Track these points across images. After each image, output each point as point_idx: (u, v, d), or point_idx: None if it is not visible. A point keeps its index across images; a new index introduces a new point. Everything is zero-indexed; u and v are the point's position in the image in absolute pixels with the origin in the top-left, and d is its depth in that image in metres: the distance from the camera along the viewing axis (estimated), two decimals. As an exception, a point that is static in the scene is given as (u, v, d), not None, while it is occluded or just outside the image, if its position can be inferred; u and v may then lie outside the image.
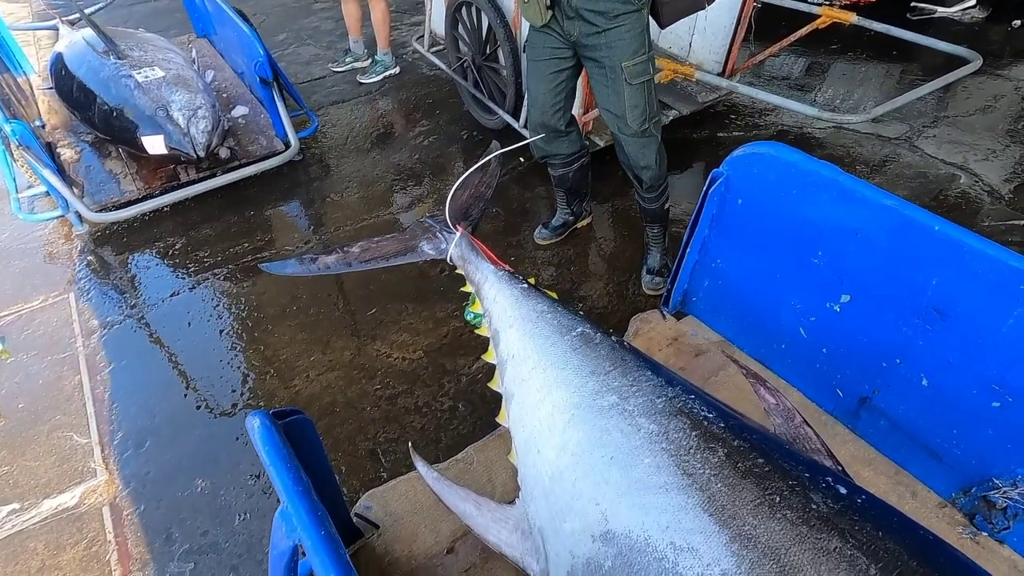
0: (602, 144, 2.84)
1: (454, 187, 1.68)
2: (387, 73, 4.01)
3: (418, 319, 2.31)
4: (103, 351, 2.26)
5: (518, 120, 2.89)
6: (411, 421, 1.96)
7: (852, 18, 2.89)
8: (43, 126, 3.25)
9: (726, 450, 0.96)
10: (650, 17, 1.92)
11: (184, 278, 2.58)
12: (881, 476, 1.39)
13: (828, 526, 0.83)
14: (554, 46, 1.96)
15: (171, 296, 2.50)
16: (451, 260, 1.60)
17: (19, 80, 3.45)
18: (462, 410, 1.97)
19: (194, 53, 3.77)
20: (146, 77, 2.83)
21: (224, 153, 2.96)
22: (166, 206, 2.90)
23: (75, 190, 2.77)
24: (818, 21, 2.95)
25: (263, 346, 2.26)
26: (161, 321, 2.39)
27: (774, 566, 0.80)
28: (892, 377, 1.33)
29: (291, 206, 3.01)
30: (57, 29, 3.67)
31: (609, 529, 0.94)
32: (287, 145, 3.03)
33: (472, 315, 1.54)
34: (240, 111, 3.35)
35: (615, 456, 1.01)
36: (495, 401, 1.31)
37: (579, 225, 2.67)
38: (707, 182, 1.45)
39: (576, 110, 2.59)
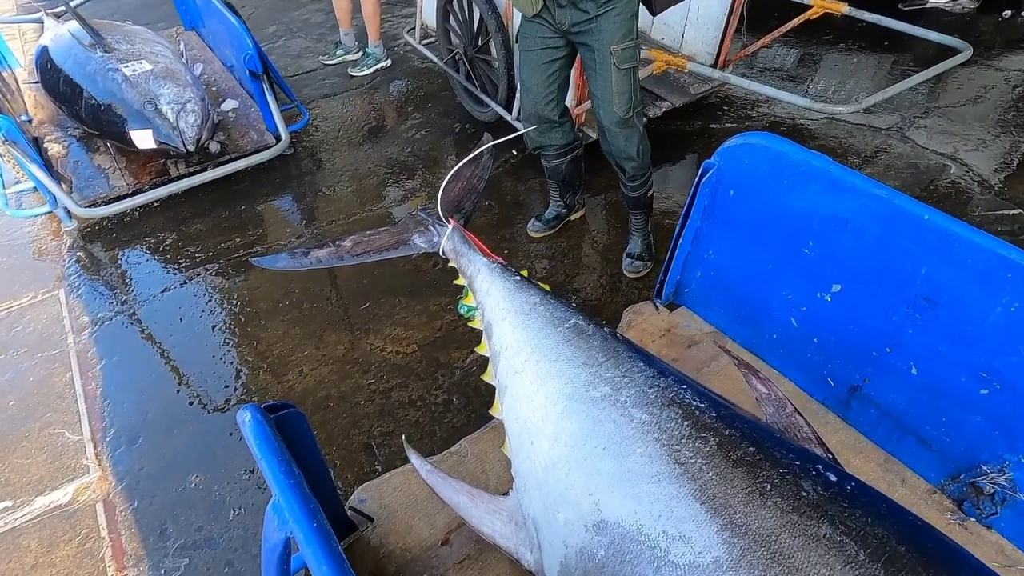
0: (595, 136, 2.83)
1: (445, 180, 1.67)
2: (378, 66, 3.98)
3: (412, 313, 2.31)
4: (94, 347, 2.25)
5: (510, 112, 2.88)
6: (405, 415, 1.96)
7: (843, 8, 2.89)
8: (30, 121, 3.21)
9: (717, 439, 0.97)
10: (641, 5, 1.92)
11: (175, 274, 2.56)
12: (871, 464, 1.40)
13: (818, 513, 0.84)
14: (546, 35, 1.96)
15: (162, 292, 2.48)
16: (443, 253, 1.60)
17: (4, 74, 3.41)
18: (456, 403, 1.98)
19: (182, 46, 3.73)
20: (134, 71, 2.79)
21: (214, 147, 2.93)
22: (156, 201, 2.88)
23: (63, 186, 2.74)
24: (810, 12, 2.95)
25: (256, 341, 2.25)
26: (152, 317, 2.38)
27: (765, 553, 0.81)
28: (882, 366, 1.34)
29: (283, 200, 2.99)
30: (42, 22, 3.62)
31: (602, 519, 0.95)
32: (278, 139, 3.01)
33: (465, 308, 1.54)
34: (230, 105, 3.31)
35: (608, 446, 1.01)
36: (489, 394, 1.31)
37: (572, 217, 2.67)
38: (699, 173, 1.45)
39: (569, 101, 2.59)
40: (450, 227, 1.60)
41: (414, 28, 3.66)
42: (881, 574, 0.76)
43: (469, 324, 1.49)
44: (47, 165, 2.81)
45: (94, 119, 2.84)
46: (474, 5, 2.85)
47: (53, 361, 2.21)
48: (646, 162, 2.15)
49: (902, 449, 1.38)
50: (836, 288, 1.35)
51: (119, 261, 2.66)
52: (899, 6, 4.24)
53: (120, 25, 3.38)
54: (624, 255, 2.41)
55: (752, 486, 0.89)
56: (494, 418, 1.31)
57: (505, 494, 1.18)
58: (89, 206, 2.70)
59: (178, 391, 2.09)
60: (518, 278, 1.40)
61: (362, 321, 2.30)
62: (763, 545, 0.81)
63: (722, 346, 1.54)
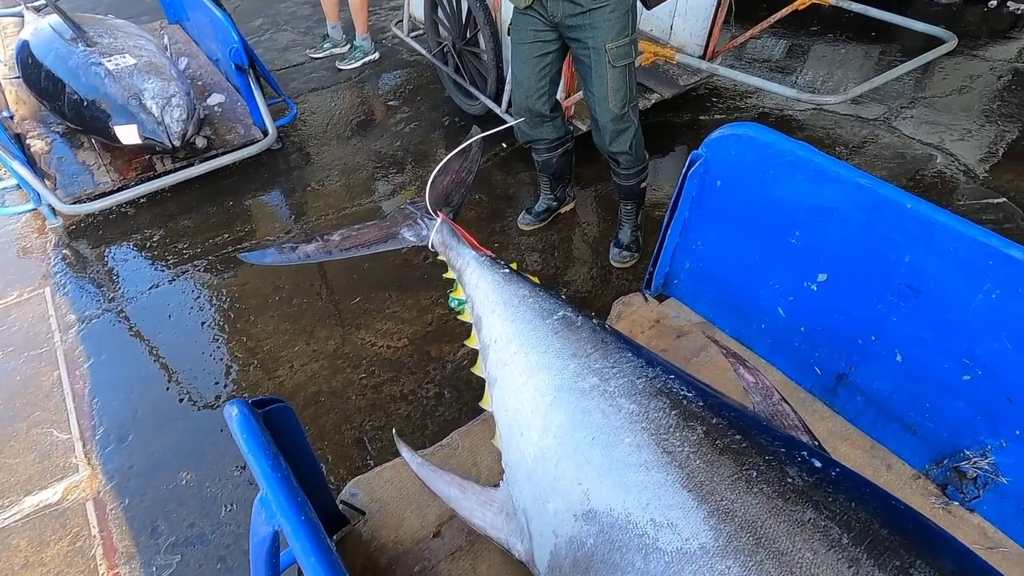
0: (584, 128, 2.83)
1: (434, 173, 1.67)
2: (366, 59, 3.95)
3: (402, 307, 2.31)
4: (81, 346, 2.23)
5: (500, 105, 2.87)
6: (397, 409, 1.96)
7: (831, -1, 2.90)
8: (11, 117, 3.16)
9: (705, 428, 0.98)
10: None
11: (163, 270, 2.54)
12: (857, 450, 1.42)
13: (803, 498, 0.85)
14: (538, 28, 1.95)
15: (150, 289, 2.46)
16: (432, 246, 1.60)
17: (-16, 69, 3.35)
18: (448, 397, 1.98)
19: (166, 40, 3.68)
20: (117, 65, 2.75)
21: (200, 143, 2.90)
22: (142, 197, 2.85)
23: (47, 182, 2.70)
24: (797, 2, 2.96)
25: (246, 337, 2.24)
26: (140, 314, 2.36)
27: (751, 538, 0.82)
28: (868, 354, 1.35)
29: (271, 195, 2.97)
30: (22, 16, 3.55)
31: (591, 508, 0.96)
32: (265, 133, 2.99)
33: (456, 302, 1.54)
34: (216, 99, 3.28)
35: (596, 436, 1.02)
36: (480, 387, 1.31)
37: (563, 210, 2.67)
38: (686, 164, 1.46)
39: (558, 94, 2.58)
40: (439, 220, 1.60)
41: (402, 21, 3.64)
42: (864, 557, 0.78)
43: (459, 317, 1.49)
44: (30, 162, 2.77)
45: (77, 114, 2.80)
46: (462, -3, 2.83)
47: (40, 360, 2.19)
48: (640, 155, 2.15)
49: (887, 435, 1.40)
50: (822, 277, 1.36)
51: (105, 258, 2.63)
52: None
53: (102, 19, 3.33)
54: (611, 245, 2.41)
55: (738, 473, 0.90)
56: (485, 411, 1.31)
57: (496, 486, 1.19)
58: (74, 203, 2.67)
59: (167, 388, 2.08)
60: (507, 271, 1.41)
61: (352, 316, 2.29)
62: (749, 531, 0.82)
63: (711, 336, 1.55)
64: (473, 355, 1.38)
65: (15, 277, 2.55)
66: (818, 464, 0.93)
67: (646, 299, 1.76)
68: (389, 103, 3.60)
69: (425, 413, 1.94)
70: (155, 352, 2.21)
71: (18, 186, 2.75)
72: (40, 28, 3.05)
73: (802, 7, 2.95)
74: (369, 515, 1.29)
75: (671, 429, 0.99)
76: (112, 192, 2.72)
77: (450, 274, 1.56)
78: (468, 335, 1.42)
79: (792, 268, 1.40)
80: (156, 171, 2.83)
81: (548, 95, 2.11)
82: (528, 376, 1.18)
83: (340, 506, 1.28)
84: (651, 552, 0.86)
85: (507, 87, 2.78)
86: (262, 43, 4.30)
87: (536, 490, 1.06)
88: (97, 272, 2.57)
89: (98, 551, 1.65)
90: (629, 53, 1.89)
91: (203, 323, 2.31)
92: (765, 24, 3.04)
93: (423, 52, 3.41)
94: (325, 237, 1.67)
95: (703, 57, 3.05)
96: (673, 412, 1.01)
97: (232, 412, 0.78)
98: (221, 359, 2.17)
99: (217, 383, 2.09)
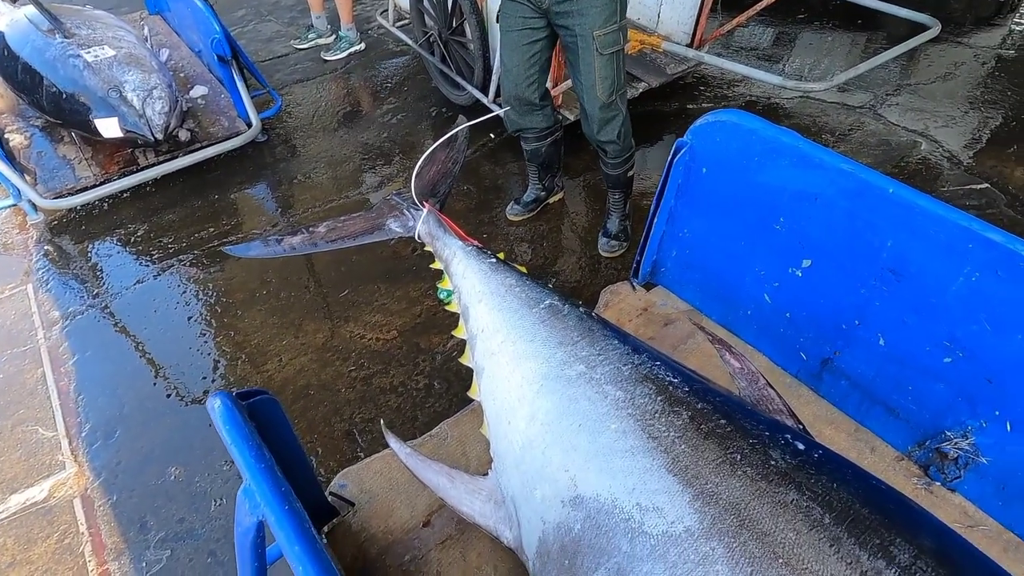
0: (572, 118, 2.82)
1: (419, 163, 1.66)
2: (352, 49, 3.90)
3: (391, 299, 2.30)
4: (66, 342, 2.20)
5: (487, 95, 2.85)
6: (387, 401, 1.96)
7: (817, -14, 2.89)
8: (-12, 111, 3.10)
9: (690, 413, 0.99)
10: None
11: (148, 265, 2.51)
12: (842, 433, 1.44)
13: (786, 480, 0.86)
14: (526, 15, 1.93)
15: (135, 284, 2.43)
16: (419, 237, 1.59)
17: (-41, 62, 3.26)
18: (437, 388, 1.98)
19: (146, 31, 3.61)
20: (96, 57, 2.70)
21: (184, 135, 2.86)
22: (126, 192, 2.81)
23: (27, 177, 2.65)
24: (784, -11, 2.95)
25: (233, 332, 2.22)
26: (126, 310, 2.33)
27: (734, 520, 0.83)
28: (852, 338, 1.37)
29: (257, 189, 2.94)
30: (-3, 7, 3.47)
31: (578, 494, 0.96)
32: (249, 125, 2.95)
33: (444, 292, 1.54)
34: (199, 91, 3.23)
35: (583, 423, 1.02)
36: (470, 378, 1.31)
37: (551, 200, 2.66)
38: (672, 151, 1.46)
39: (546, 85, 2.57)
40: (425, 211, 1.59)
41: (387, 10, 3.59)
42: (845, 536, 0.79)
43: (447, 308, 1.48)
44: (9, 157, 2.72)
45: (56, 108, 2.75)
46: (447, -15, 2.80)
47: (23, 357, 2.16)
48: (628, 144, 2.15)
49: (871, 418, 1.42)
50: (806, 263, 1.37)
51: (89, 254, 2.60)
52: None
53: (80, 9, 3.26)
54: (600, 234, 2.42)
55: (723, 457, 0.91)
56: (474, 400, 1.31)
57: (484, 474, 1.19)
58: (55, 198, 2.62)
59: (154, 384, 2.06)
60: (494, 260, 1.40)
61: (341, 309, 2.28)
62: (733, 513, 0.83)
63: (697, 323, 1.56)
64: (462, 345, 1.38)
65: (-4, 274, 2.52)
66: (801, 447, 0.94)
67: (634, 287, 1.76)
68: (375, 94, 3.57)
69: (415, 405, 1.94)
70: (141, 348, 2.19)
71: (-3, 181, 2.70)
72: (16, 19, 2.98)
73: (788, -6, 2.95)
74: (359, 506, 1.29)
75: (657, 415, 0.99)
76: (94, 186, 2.68)
77: (437, 265, 1.55)
78: (456, 326, 1.42)
79: (777, 254, 1.41)
80: (139, 165, 2.79)
81: (537, 83, 2.10)
82: (515, 365, 1.18)
83: (329, 498, 1.28)
84: (637, 536, 0.87)
85: (494, 77, 2.77)
86: (245, 34, 4.24)
87: (524, 477, 1.07)
88: (80, 268, 2.54)
89: (86, 548, 1.64)
90: (617, 41, 1.88)
91: (190, 318, 2.29)
92: (752, 12, 3.04)
93: (409, 42, 3.38)
94: (311, 229, 1.65)
95: (690, 45, 3.04)
96: (659, 398, 1.02)
97: (215, 404, 0.77)
98: (208, 354, 2.16)
99: (205, 378, 2.07)
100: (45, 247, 2.64)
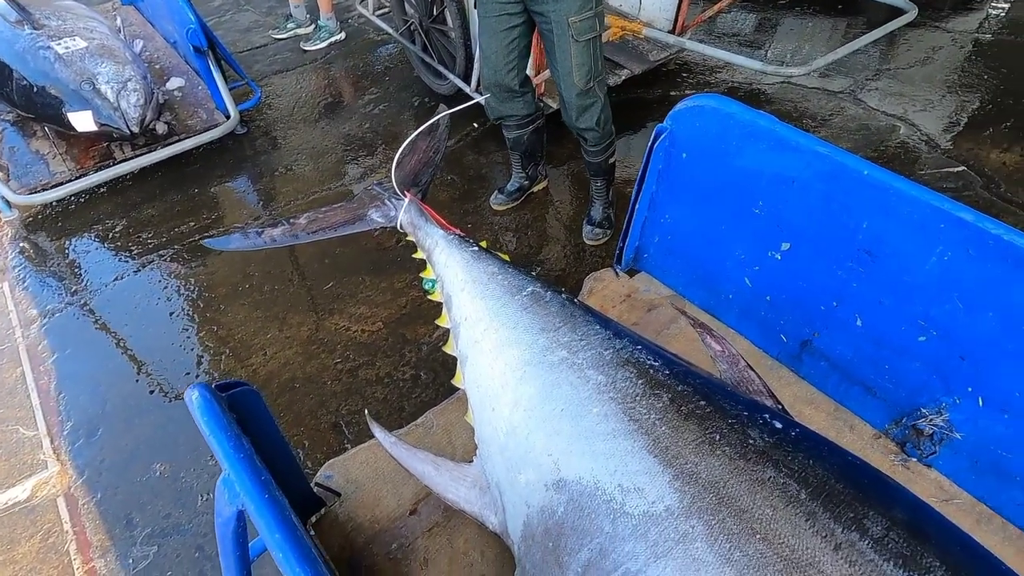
0: (555, 106, 2.81)
1: (399, 152, 1.64)
2: (332, 39, 3.85)
3: (376, 291, 2.29)
4: (45, 340, 2.17)
5: (469, 84, 2.83)
6: (373, 392, 1.96)
7: (796, -29, 2.90)
8: (-43, 106, 3.01)
9: (670, 395, 1.00)
10: None
11: (127, 261, 2.48)
12: (822, 413, 1.46)
13: (763, 458, 0.88)
14: (503, 1, 1.92)
15: (115, 280, 2.40)
16: (401, 227, 1.58)
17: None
18: (424, 378, 1.98)
19: (119, 22, 3.53)
20: (67, 48, 2.64)
21: (161, 128, 2.82)
22: (102, 186, 2.76)
23: (-1, 173, 2.60)
24: (764, -25, 2.96)
25: (216, 326, 2.20)
26: (106, 307, 2.30)
27: (713, 498, 0.84)
28: (830, 319, 1.39)
29: (238, 182, 2.90)
30: (-38, -2, 3.37)
31: (561, 477, 0.97)
32: (228, 117, 2.90)
33: (430, 283, 1.53)
34: (175, 83, 3.17)
35: (565, 408, 1.03)
36: (456, 367, 1.32)
37: (535, 189, 2.66)
38: (652, 137, 1.46)
39: (528, 70, 2.56)
40: (406, 200, 1.58)
41: (367, -1, 3.55)
42: (820, 511, 0.81)
43: (430, 298, 1.48)
44: (-20, 152, 2.66)
45: (27, 101, 2.69)
46: (426, -28, 2.77)
47: (1, 357, 2.12)
48: (608, 131, 2.15)
49: (850, 398, 1.44)
50: (785, 246, 1.38)
51: (66, 250, 2.55)
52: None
53: (49, 0, 3.18)
54: (584, 222, 2.42)
55: (702, 437, 0.92)
56: (459, 389, 1.32)
57: (470, 462, 1.20)
58: (29, 194, 2.57)
59: (137, 380, 2.04)
60: (476, 249, 1.40)
61: (326, 301, 2.27)
62: (712, 491, 0.85)
63: (680, 308, 1.57)
64: (447, 335, 1.38)
65: (-30, 273, 2.47)
66: (779, 425, 0.95)
67: (617, 274, 1.77)
68: (357, 84, 3.53)
69: (402, 395, 1.94)
70: (123, 344, 2.16)
71: (-32, 178, 2.64)
72: (-18, 11, 2.90)
73: (768, -20, 2.95)
74: (345, 496, 1.29)
75: (638, 397, 1.00)
76: (69, 181, 2.63)
77: (420, 254, 1.55)
78: (440, 315, 1.42)
79: (756, 238, 1.42)
80: (115, 159, 2.74)
81: (517, 69, 2.09)
82: (498, 352, 1.19)
83: (315, 489, 1.28)
84: (619, 516, 0.88)
85: (476, 65, 2.75)
86: (222, 24, 4.16)
87: (508, 463, 1.07)
88: (58, 265, 2.49)
89: (71, 546, 1.62)
90: (593, 27, 1.87)
91: (171, 313, 2.26)
92: (732, -3, 3.04)
93: (390, 31, 3.34)
94: (291, 221, 1.64)
95: (672, 32, 3.04)
96: (640, 381, 1.03)
97: (193, 396, 0.77)
98: (192, 349, 2.14)
99: (188, 373, 2.05)
100: (21, 244, 2.59)
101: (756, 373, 1.16)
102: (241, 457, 0.68)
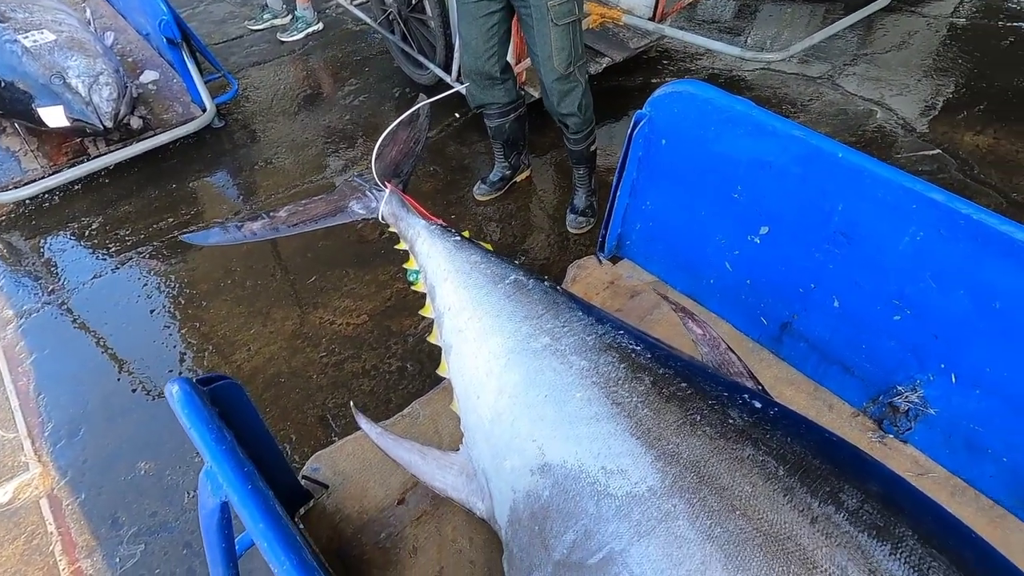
0: (536, 95, 2.80)
1: (378, 142, 1.63)
2: (309, 30, 3.79)
3: (360, 284, 2.28)
4: (22, 341, 2.13)
5: (450, 74, 2.81)
6: (359, 385, 1.95)
7: (774, -43, 2.91)
8: (-79, 102, 2.92)
9: (652, 378, 1.01)
10: None
11: (105, 259, 2.43)
12: (802, 394, 1.49)
13: (743, 437, 0.89)
14: None
15: (93, 279, 2.36)
16: (383, 218, 1.57)
17: None
18: (411, 370, 1.98)
19: (88, 14, 3.43)
20: (35, 42, 2.57)
21: (136, 123, 2.76)
22: (77, 183, 2.70)
23: (-32, 171, 2.53)
24: (742, -39, 2.96)
25: (199, 323, 2.18)
26: (84, 305, 2.26)
27: (694, 478, 0.86)
28: (809, 301, 1.41)
29: (216, 176, 2.86)
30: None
31: (546, 462, 0.98)
32: (204, 110, 2.85)
33: (413, 273, 1.53)
34: (149, 76, 3.11)
35: (549, 394, 1.04)
36: (441, 357, 1.32)
37: (518, 179, 2.66)
38: (631, 124, 1.47)
39: (508, 59, 2.54)
40: (388, 191, 1.57)
41: (344, -12, 3.49)
42: (798, 486, 0.83)
43: (414, 288, 1.48)
44: (-53, 150, 2.59)
45: (-5, 97, 2.61)
46: (404, -40, 2.73)
47: (-23, 359, 2.08)
48: (589, 117, 2.15)
49: (829, 378, 1.47)
50: (764, 230, 1.40)
51: (42, 249, 2.50)
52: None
53: (15, -8, 3.08)
54: (568, 211, 2.43)
55: (684, 418, 0.94)
56: (445, 379, 1.32)
57: (456, 450, 1.21)
58: (1, 191, 2.51)
59: (119, 379, 2.01)
60: (458, 238, 1.40)
61: (310, 295, 2.26)
62: (693, 471, 0.86)
63: (662, 294, 1.59)
64: (432, 325, 1.38)
65: (-58, 274, 2.41)
66: (758, 405, 0.97)
67: (600, 262, 1.78)
68: (336, 75, 3.48)
69: (388, 387, 1.94)
70: (103, 343, 2.13)
71: (-64, 177, 2.57)
72: (-56, 3, 2.81)
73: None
74: (332, 488, 1.29)
75: (620, 381, 1.01)
76: (42, 178, 2.57)
77: (402, 245, 1.54)
78: (425, 305, 1.42)
79: (736, 222, 1.44)
80: (89, 155, 2.68)
81: (498, 56, 2.08)
82: (482, 341, 1.19)
83: (303, 481, 1.28)
84: (603, 498, 0.89)
85: (456, 54, 2.72)
86: (196, 15, 4.08)
87: (494, 450, 1.08)
88: (34, 264, 2.44)
89: (56, 547, 1.61)
90: (572, 11, 1.87)
91: (152, 311, 2.23)
92: (711, -16, 3.04)
93: (368, 21, 3.29)
94: (271, 214, 1.62)
95: (652, 18, 3.04)
96: (622, 365, 1.04)
97: (173, 390, 0.76)
98: (174, 346, 2.11)
99: (171, 371, 2.03)
100: (-7, 244, 2.53)
101: (737, 355, 1.18)
102: (223, 449, 0.68)
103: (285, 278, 2.33)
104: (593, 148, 2.27)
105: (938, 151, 2.77)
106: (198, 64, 2.89)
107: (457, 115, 3.06)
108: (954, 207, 1.07)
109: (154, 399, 1.95)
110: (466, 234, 1.45)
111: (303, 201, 1.65)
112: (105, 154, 2.67)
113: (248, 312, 2.20)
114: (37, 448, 1.83)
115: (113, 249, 2.47)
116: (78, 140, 2.73)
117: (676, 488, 0.85)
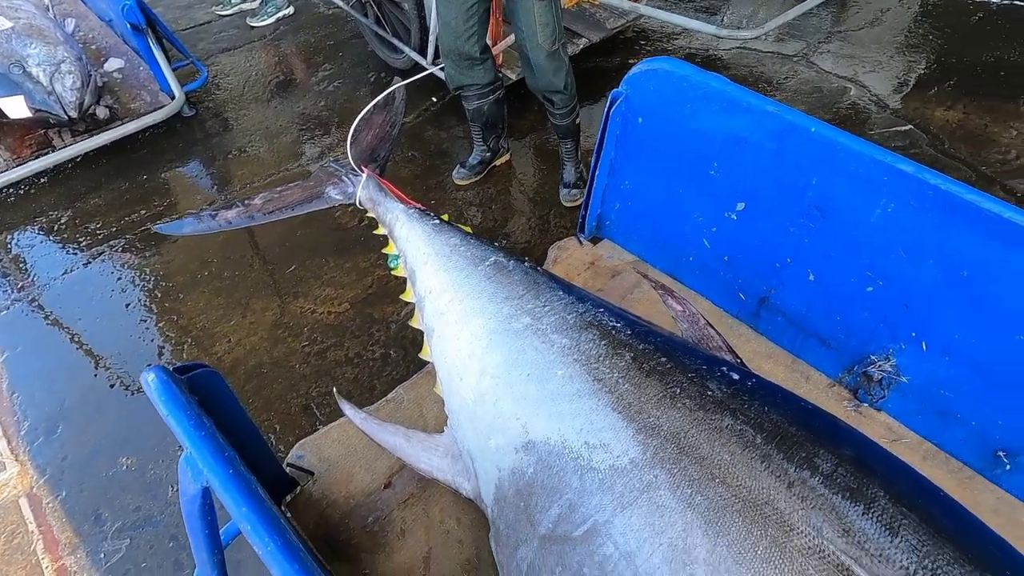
0: (514, 77, 2.78)
1: (353, 127, 1.61)
2: (280, 14, 3.70)
3: (341, 272, 2.26)
4: (-8, 340, 2.08)
5: (425, 57, 2.77)
6: (343, 373, 1.94)
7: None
8: None
9: (632, 354, 1.02)
10: None
11: (76, 253, 2.37)
12: (780, 366, 1.52)
13: (721, 408, 0.91)
14: None
15: (64, 274, 2.30)
16: (360, 203, 1.55)
17: None
18: (394, 356, 1.98)
19: (47, 0, 3.31)
20: (-10, 29, 2.47)
21: (102, 113, 2.68)
22: (43, 176, 2.62)
23: (-74, 166, 2.44)
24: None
25: (176, 316, 2.14)
26: (56, 302, 2.21)
27: (675, 449, 0.87)
28: (785, 276, 1.44)
29: (189, 166, 2.80)
30: None
31: (529, 440, 0.99)
32: (173, 98, 2.77)
33: (394, 259, 1.52)
34: (114, 65, 3.01)
35: (531, 372, 1.05)
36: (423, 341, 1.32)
37: (497, 162, 2.64)
38: (608, 102, 1.46)
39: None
40: (364, 176, 1.56)
41: (314, -30, 3.41)
42: (775, 453, 0.85)
43: (393, 273, 1.47)
44: (-98, 144, 2.49)
45: (-49, 88, 2.51)
46: (374, -60, 2.67)
47: (-54, 359, 2.03)
48: (573, 92, 2.17)
49: (806, 350, 1.51)
50: (740, 206, 1.42)
51: (9, 245, 2.43)
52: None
53: (-33, -23, 2.95)
54: (560, 186, 2.44)
55: (664, 392, 0.95)
56: (428, 362, 1.32)
57: (441, 432, 1.21)
58: (-38, 187, 2.43)
59: (95, 375, 1.97)
60: (437, 222, 1.39)
61: (289, 285, 2.23)
62: (673, 442, 0.88)
63: (643, 273, 1.60)
64: (414, 310, 1.38)
65: (-96, 273, 2.33)
66: (736, 377, 0.99)
67: (580, 242, 1.78)
68: (309, 61, 3.41)
69: (372, 374, 1.93)
70: (77, 339, 2.09)
71: None
72: None
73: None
74: (318, 475, 1.29)
75: (601, 358, 1.02)
76: (5, 171, 2.49)
77: (381, 230, 1.53)
78: (405, 290, 1.41)
79: (713, 199, 1.45)
80: (54, 146, 2.60)
81: (477, 36, 2.07)
82: (464, 323, 1.19)
83: (288, 469, 1.28)
84: (586, 472, 0.91)
85: (431, 37, 2.68)
86: (161, 0, 3.95)
87: (478, 430, 1.09)
88: (1, 261, 2.37)
89: (38, 545, 1.59)
90: None
91: (128, 305, 2.19)
92: (687, -38, 3.03)
93: (341, 4, 3.22)
94: (246, 202, 1.60)
95: (628, -2, 3.02)
96: (603, 342, 1.05)
97: (148, 378, 0.75)
98: (152, 340, 2.08)
99: (149, 365, 1.98)
100: (-43, 241, 2.45)
101: (716, 330, 1.20)
102: (202, 435, 0.68)
103: (264, 268, 2.30)
104: (578, 121, 2.30)
105: (910, 127, 2.82)
106: (165, 51, 2.81)
107: (434, 99, 3.02)
108: (923, 178, 1.09)
109: (133, 394, 1.92)
110: (445, 217, 1.44)
111: (278, 188, 1.62)
112: (71, 145, 2.58)
113: (227, 303, 2.17)
114: (14, 447, 1.79)
115: (84, 243, 2.41)
116: (42, 131, 2.64)
117: (657, 459, 0.86)
